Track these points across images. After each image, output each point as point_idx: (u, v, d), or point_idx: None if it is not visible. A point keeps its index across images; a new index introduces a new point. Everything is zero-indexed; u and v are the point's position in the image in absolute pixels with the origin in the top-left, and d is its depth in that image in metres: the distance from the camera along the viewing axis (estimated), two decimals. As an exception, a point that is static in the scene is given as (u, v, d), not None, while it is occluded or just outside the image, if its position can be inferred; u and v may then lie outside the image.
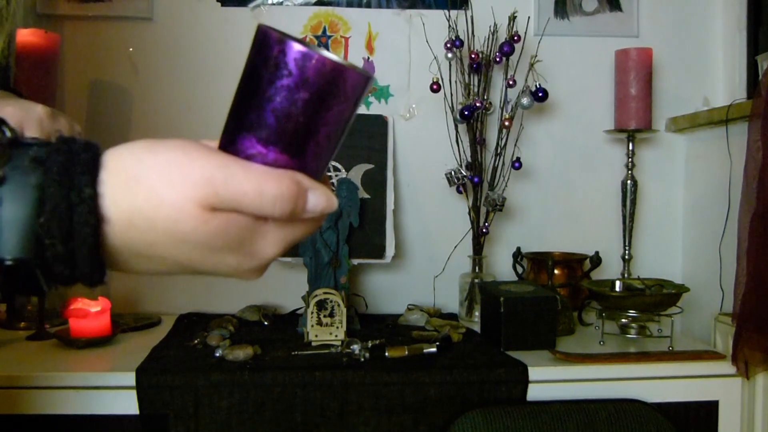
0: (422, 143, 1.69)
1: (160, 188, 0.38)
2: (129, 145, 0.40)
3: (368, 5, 1.67)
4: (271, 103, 0.39)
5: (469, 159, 1.60)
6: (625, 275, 1.62)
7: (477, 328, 1.46)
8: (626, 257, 1.63)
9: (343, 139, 0.42)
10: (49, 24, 1.57)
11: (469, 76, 1.59)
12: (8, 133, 0.38)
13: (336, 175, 1.58)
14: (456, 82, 1.62)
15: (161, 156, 0.39)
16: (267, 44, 0.39)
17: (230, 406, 1.12)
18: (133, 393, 1.10)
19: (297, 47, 0.38)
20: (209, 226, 0.38)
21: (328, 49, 1.66)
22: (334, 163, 1.58)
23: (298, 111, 0.39)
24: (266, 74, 0.39)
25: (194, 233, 0.38)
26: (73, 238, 0.37)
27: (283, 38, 0.38)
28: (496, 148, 1.59)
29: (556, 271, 1.59)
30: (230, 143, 0.41)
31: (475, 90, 1.58)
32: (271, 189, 0.39)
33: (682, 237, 1.74)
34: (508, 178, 1.59)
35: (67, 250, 0.37)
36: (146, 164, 0.38)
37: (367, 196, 1.58)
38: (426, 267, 1.69)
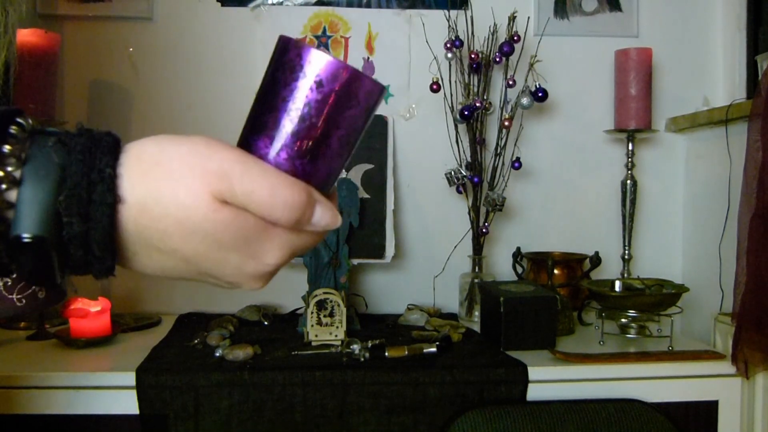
0: (422, 143, 1.69)
1: (178, 174, 0.39)
2: (152, 137, 0.41)
3: (368, 5, 1.67)
4: (285, 104, 0.41)
5: (469, 159, 1.60)
6: (625, 275, 1.62)
7: (477, 328, 1.46)
8: (626, 257, 1.64)
9: (354, 151, 0.45)
10: (49, 24, 1.56)
11: (469, 76, 1.59)
12: (30, 123, 0.40)
13: (336, 175, 1.58)
14: (456, 82, 1.62)
15: (184, 146, 0.40)
16: (285, 49, 0.41)
17: (230, 406, 1.12)
18: (133, 393, 1.10)
19: (314, 52, 0.40)
20: (219, 216, 0.39)
21: (328, 50, 1.66)
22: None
23: (311, 113, 0.41)
24: (282, 77, 0.41)
25: (204, 222, 0.39)
26: (90, 218, 0.38)
27: (301, 44, 0.41)
28: (496, 148, 1.59)
29: (556, 271, 1.59)
30: (246, 144, 0.43)
31: (475, 90, 1.58)
32: (283, 193, 0.40)
33: (682, 237, 1.74)
34: (508, 178, 1.59)
35: (84, 229, 0.38)
36: (168, 152, 0.40)
37: (367, 196, 1.58)
38: (426, 267, 1.69)
